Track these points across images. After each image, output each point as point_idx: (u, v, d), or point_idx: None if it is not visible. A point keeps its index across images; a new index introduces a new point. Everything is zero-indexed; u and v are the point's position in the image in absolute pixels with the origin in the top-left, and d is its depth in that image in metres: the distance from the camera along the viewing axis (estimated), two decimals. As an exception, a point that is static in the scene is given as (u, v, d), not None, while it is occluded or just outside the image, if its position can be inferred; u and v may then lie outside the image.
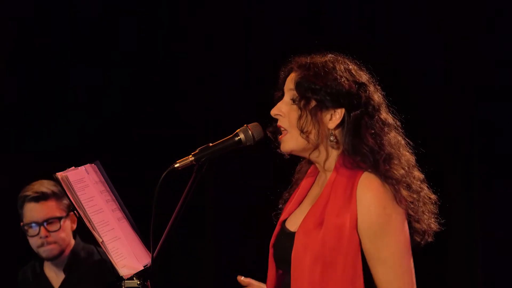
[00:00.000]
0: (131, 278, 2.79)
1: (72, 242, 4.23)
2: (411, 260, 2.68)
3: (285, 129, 2.78)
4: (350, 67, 2.77)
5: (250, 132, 2.82)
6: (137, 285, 2.77)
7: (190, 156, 2.79)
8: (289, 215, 2.86)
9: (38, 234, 4.12)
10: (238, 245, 5.19)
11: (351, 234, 2.63)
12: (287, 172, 3.00)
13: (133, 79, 5.35)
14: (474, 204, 4.84)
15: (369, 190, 2.64)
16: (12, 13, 5.38)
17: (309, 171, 2.90)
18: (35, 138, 5.36)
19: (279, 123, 2.79)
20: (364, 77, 2.78)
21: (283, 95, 2.81)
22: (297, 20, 5.09)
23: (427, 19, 4.89)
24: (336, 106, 2.72)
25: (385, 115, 2.77)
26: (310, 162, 2.86)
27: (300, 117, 2.74)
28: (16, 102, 5.41)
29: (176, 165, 2.77)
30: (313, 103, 2.73)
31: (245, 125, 2.84)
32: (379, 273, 2.64)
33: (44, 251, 4.16)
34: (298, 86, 2.75)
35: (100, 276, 4.13)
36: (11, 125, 5.39)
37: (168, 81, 5.34)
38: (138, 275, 2.81)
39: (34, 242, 4.16)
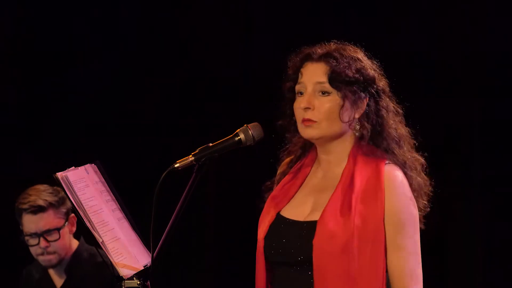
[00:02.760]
0: (131, 278, 2.78)
1: (74, 243, 4.24)
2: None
3: (315, 121, 2.76)
4: (366, 56, 2.82)
5: (250, 132, 2.82)
6: (137, 285, 2.77)
7: (190, 156, 2.78)
8: (284, 205, 2.85)
9: (38, 244, 4.14)
10: (238, 245, 5.19)
11: (378, 224, 2.67)
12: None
13: (133, 79, 5.34)
14: (474, 204, 4.84)
15: (397, 182, 2.70)
16: (11, 13, 5.37)
17: (306, 161, 2.89)
18: (35, 138, 5.36)
19: (308, 116, 2.76)
20: (374, 66, 2.83)
21: (293, 86, 2.81)
22: (299, 18, 5.09)
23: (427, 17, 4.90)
24: (363, 95, 2.76)
25: (395, 105, 2.83)
26: (304, 152, 2.87)
27: (339, 108, 2.73)
28: (16, 102, 5.41)
29: (176, 165, 2.76)
30: (348, 94, 2.74)
31: (245, 125, 2.84)
32: (395, 259, 2.68)
33: (43, 261, 4.18)
34: (332, 78, 2.74)
35: (102, 278, 4.13)
36: (11, 125, 5.39)
37: (168, 80, 5.34)
38: (138, 275, 2.80)
39: (34, 250, 4.18)
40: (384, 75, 2.83)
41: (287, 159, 2.94)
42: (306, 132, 2.78)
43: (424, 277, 2.74)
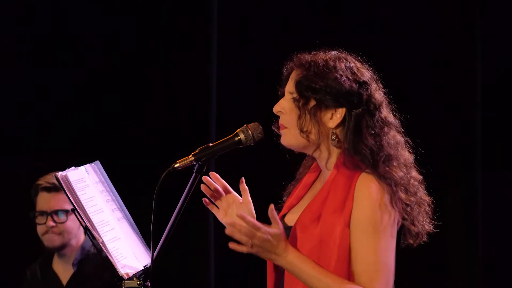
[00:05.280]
0: (131, 278, 2.79)
1: (82, 237, 4.27)
2: (392, 262, 2.67)
3: (285, 127, 2.78)
4: (352, 65, 2.77)
5: (250, 132, 2.82)
6: (137, 285, 2.78)
7: (190, 156, 2.79)
8: (289, 210, 2.87)
9: (45, 222, 4.18)
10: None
11: (343, 231, 2.65)
12: (288, 171, 3.00)
13: (133, 78, 5.34)
14: (474, 201, 4.85)
15: (366, 189, 2.65)
16: (10, 13, 5.37)
17: (312, 166, 2.90)
18: (35, 138, 5.35)
19: (280, 121, 2.79)
20: (366, 75, 2.77)
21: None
22: (299, 18, 5.10)
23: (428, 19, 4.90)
24: (337, 105, 2.72)
25: (386, 113, 2.77)
26: (314, 158, 2.87)
27: (299, 117, 2.74)
28: (16, 102, 5.41)
29: (176, 165, 2.77)
30: (313, 103, 2.73)
31: (245, 125, 2.84)
32: (358, 266, 2.64)
33: (46, 240, 4.23)
34: (298, 85, 2.75)
35: (109, 273, 4.16)
36: (11, 125, 5.39)
37: (168, 80, 5.34)
38: (138, 275, 2.81)
39: (40, 229, 4.24)
40: (380, 86, 2.79)
41: (306, 162, 2.95)
42: (281, 140, 2.81)
43: (425, 277, 2.74)
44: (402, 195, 2.68)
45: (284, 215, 2.86)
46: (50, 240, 4.23)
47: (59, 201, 4.21)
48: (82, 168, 2.94)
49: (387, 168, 2.68)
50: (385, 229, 2.65)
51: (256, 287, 3.20)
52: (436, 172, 2.96)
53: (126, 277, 2.79)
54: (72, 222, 4.22)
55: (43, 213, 4.20)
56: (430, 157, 2.91)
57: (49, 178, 4.23)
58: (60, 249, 4.25)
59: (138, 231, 3.01)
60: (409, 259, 2.80)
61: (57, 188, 4.18)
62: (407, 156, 2.77)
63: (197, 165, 2.79)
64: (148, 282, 2.80)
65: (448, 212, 4.79)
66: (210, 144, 2.82)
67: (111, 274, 4.01)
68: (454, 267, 4.86)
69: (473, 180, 4.85)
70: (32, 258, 4.43)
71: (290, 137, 2.77)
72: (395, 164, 2.71)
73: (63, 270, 4.29)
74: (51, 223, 4.20)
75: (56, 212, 4.20)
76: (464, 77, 4.84)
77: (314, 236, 2.67)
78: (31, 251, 4.40)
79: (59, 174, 2.83)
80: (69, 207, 4.19)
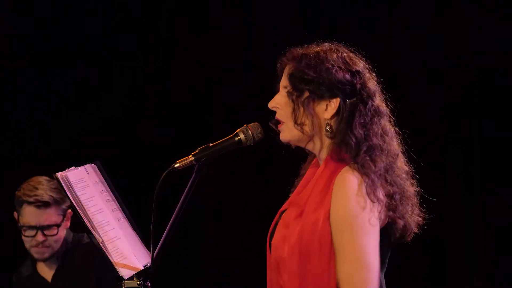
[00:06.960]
0: (131, 278, 2.79)
1: (63, 234, 4.24)
2: (374, 259, 2.63)
3: (282, 122, 2.78)
4: (344, 55, 2.77)
5: (250, 132, 2.83)
6: (137, 285, 2.78)
7: (190, 156, 2.79)
8: (289, 206, 2.86)
9: (34, 236, 4.14)
10: (238, 245, 5.19)
11: (324, 226, 2.64)
12: (286, 170, 3.00)
13: (134, 78, 5.35)
14: (474, 201, 4.85)
15: (344, 184, 2.64)
16: (10, 13, 5.38)
17: (313, 161, 2.90)
18: (34, 138, 5.36)
19: (276, 116, 2.80)
20: (359, 64, 2.77)
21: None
22: (297, 17, 5.10)
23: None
24: (331, 95, 2.73)
25: (379, 102, 2.77)
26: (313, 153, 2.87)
27: (294, 109, 2.74)
28: (16, 102, 5.41)
29: (176, 165, 2.78)
30: (306, 94, 2.74)
31: (245, 125, 2.85)
32: (339, 266, 2.63)
33: (36, 252, 4.18)
34: (290, 78, 2.76)
35: (90, 265, 4.16)
36: (10, 125, 5.39)
37: (169, 80, 5.34)
38: (138, 275, 2.81)
39: (28, 241, 4.17)
40: (373, 75, 2.79)
41: (310, 157, 2.95)
42: (280, 137, 2.81)
43: (425, 277, 2.74)
44: (383, 185, 2.67)
45: (283, 212, 2.86)
46: (41, 252, 4.18)
47: (50, 216, 4.14)
48: (82, 168, 2.94)
49: (367, 158, 2.67)
50: (364, 225, 2.62)
51: (255, 287, 3.21)
52: (436, 171, 2.96)
53: (126, 277, 2.79)
54: (60, 233, 4.19)
55: (32, 227, 4.16)
56: (430, 157, 2.91)
57: (40, 194, 4.13)
58: (50, 259, 4.23)
59: (138, 231, 3.01)
60: (409, 259, 2.80)
61: (47, 204, 4.13)
62: (394, 146, 2.75)
63: (197, 165, 2.79)
64: (148, 282, 2.80)
65: (448, 212, 4.79)
66: (210, 144, 2.82)
67: (97, 265, 4.00)
68: (454, 267, 4.86)
69: (473, 179, 4.86)
70: (19, 262, 4.41)
71: (286, 133, 2.78)
72: (377, 153, 2.69)
73: (48, 269, 4.27)
74: (42, 238, 4.15)
75: (46, 227, 4.15)
76: (463, 74, 4.86)
77: (296, 232, 2.66)
78: (19, 254, 4.38)
79: (59, 174, 2.83)
80: (58, 220, 4.17)
